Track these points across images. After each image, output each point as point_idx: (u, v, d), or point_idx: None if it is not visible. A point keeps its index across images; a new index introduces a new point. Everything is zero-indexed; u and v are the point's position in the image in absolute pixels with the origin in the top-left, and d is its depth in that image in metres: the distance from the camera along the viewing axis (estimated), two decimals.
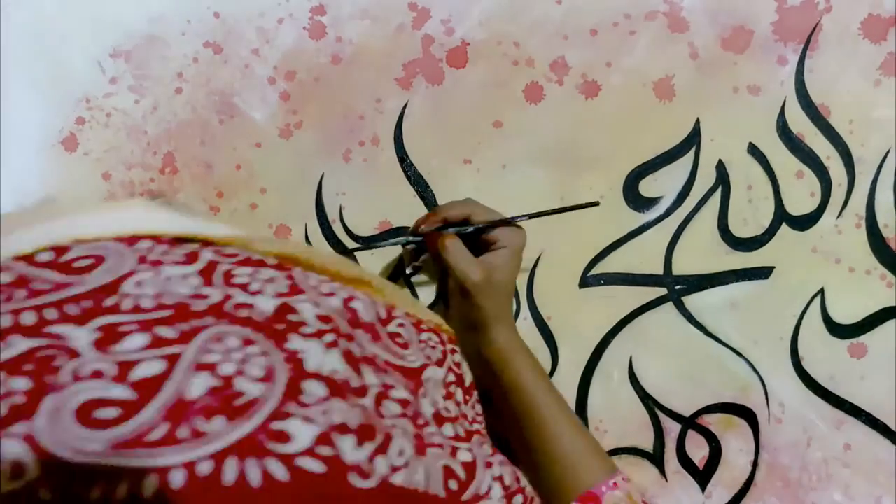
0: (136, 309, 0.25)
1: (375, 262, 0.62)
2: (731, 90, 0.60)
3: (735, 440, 0.61)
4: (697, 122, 0.60)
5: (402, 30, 0.61)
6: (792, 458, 0.61)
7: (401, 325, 0.32)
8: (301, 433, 0.23)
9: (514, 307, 0.62)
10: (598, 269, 0.62)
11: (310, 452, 0.23)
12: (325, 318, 0.28)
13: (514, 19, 0.60)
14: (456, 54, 0.61)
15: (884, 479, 0.60)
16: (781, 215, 0.60)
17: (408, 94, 0.61)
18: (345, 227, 0.62)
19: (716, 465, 0.61)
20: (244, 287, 0.28)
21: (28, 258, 0.26)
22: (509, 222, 0.56)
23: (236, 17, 0.61)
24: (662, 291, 0.61)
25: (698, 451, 0.62)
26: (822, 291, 0.60)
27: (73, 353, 0.22)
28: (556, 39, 0.60)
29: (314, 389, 0.25)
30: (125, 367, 0.22)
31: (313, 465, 0.22)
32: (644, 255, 0.61)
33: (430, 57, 0.61)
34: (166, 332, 0.24)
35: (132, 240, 0.29)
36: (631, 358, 0.62)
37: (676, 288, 0.61)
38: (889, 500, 0.60)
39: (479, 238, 0.56)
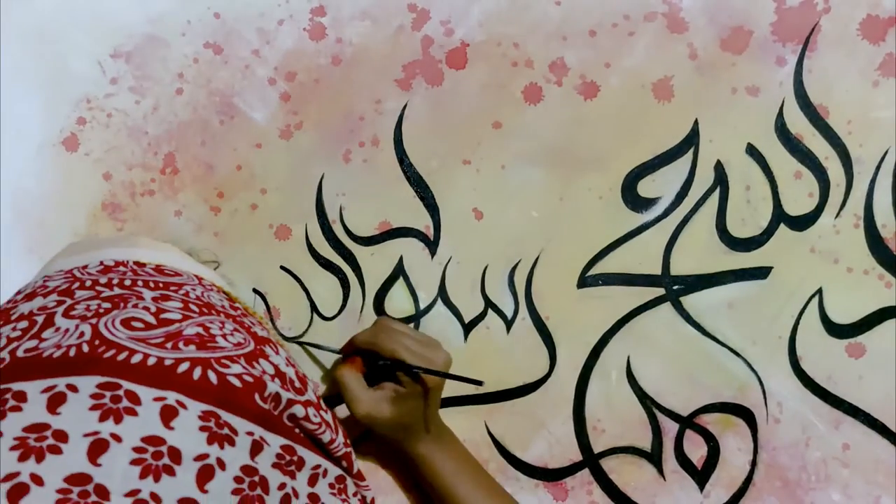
0: (186, 295, 0.42)
1: (376, 261, 0.63)
2: (729, 91, 0.60)
3: (733, 440, 0.61)
4: (696, 122, 0.60)
5: (401, 31, 0.61)
6: (790, 457, 0.61)
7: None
8: (236, 367, 0.36)
9: (513, 310, 0.62)
10: (597, 270, 0.62)
11: (238, 376, 0.36)
12: (288, 360, 0.42)
13: (513, 20, 0.61)
14: (455, 55, 0.61)
15: (883, 479, 0.61)
16: (780, 215, 0.60)
17: (407, 95, 0.62)
18: (345, 227, 0.62)
19: (714, 465, 0.62)
20: (253, 322, 0.44)
21: (142, 265, 0.45)
22: (408, 369, 0.55)
23: (236, 17, 0.61)
24: (660, 291, 0.61)
25: (696, 450, 0.62)
26: (820, 291, 0.61)
27: (140, 297, 0.39)
28: (555, 40, 0.61)
29: (266, 367, 0.38)
30: (161, 311, 0.38)
31: (235, 381, 0.36)
32: (642, 256, 0.61)
33: (430, 58, 0.61)
34: (193, 307, 0.40)
35: (202, 279, 0.47)
36: (629, 358, 0.62)
37: (674, 288, 0.61)
38: (888, 499, 0.60)
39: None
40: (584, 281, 0.62)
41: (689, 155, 0.61)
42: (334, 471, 0.39)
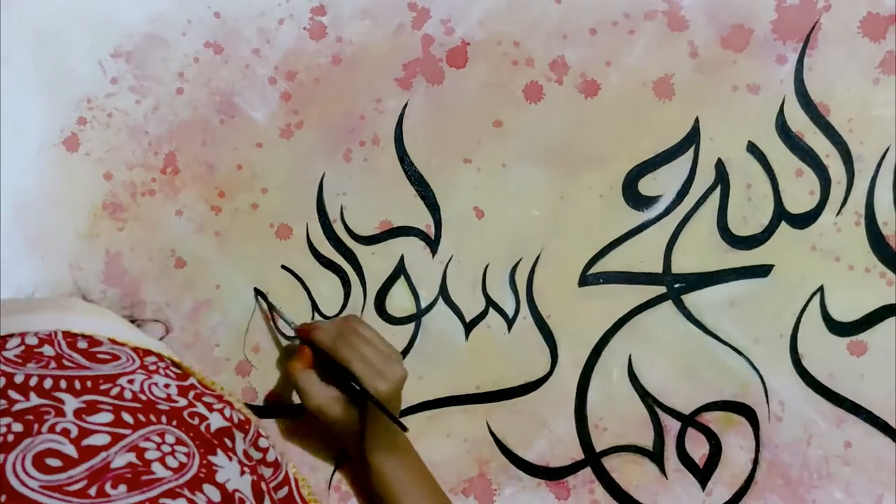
0: (119, 396, 0.35)
1: (377, 260, 0.63)
2: (730, 89, 0.60)
3: (735, 438, 0.61)
4: (697, 120, 0.60)
5: (401, 30, 0.61)
6: (792, 455, 0.61)
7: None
8: None
9: (514, 308, 0.62)
10: (598, 268, 0.62)
11: None
12: (248, 457, 0.38)
13: (513, 19, 0.61)
14: (456, 54, 0.61)
15: (885, 477, 0.61)
16: (781, 213, 0.61)
17: (408, 94, 0.62)
18: (346, 226, 0.62)
19: (716, 463, 0.61)
20: (209, 406, 0.38)
21: (72, 339, 0.38)
22: (348, 381, 0.54)
23: (237, 17, 0.61)
24: (662, 290, 0.61)
25: (698, 449, 0.62)
26: (821, 289, 0.61)
27: (61, 413, 0.32)
28: (555, 39, 0.61)
29: (211, 494, 0.33)
30: (84, 433, 0.32)
31: None
32: (643, 254, 0.61)
33: (430, 57, 0.61)
34: (127, 416, 0.34)
35: (146, 353, 0.40)
36: (630, 356, 0.62)
37: (676, 286, 0.61)
38: (890, 497, 0.60)
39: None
40: (586, 279, 0.62)
41: (690, 153, 0.61)
42: None
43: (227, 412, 0.39)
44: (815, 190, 0.60)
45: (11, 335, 0.38)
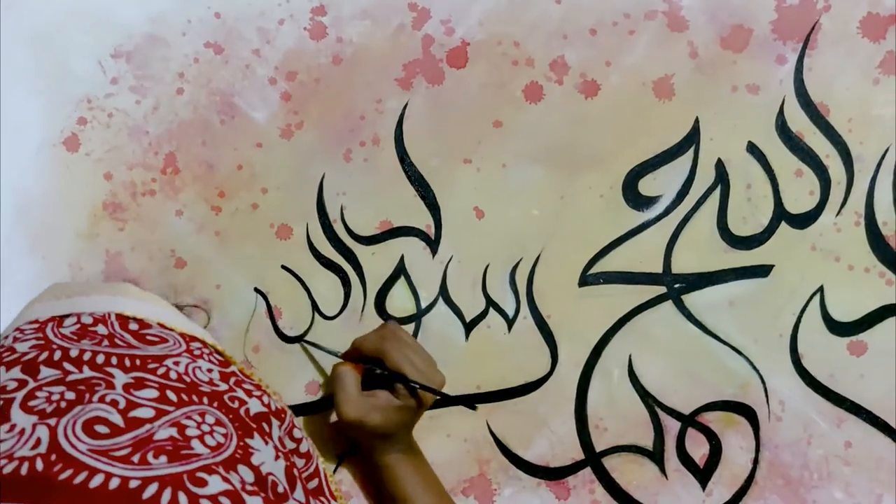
0: (164, 376, 0.37)
1: (377, 260, 0.63)
2: (730, 89, 0.60)
3: (735, 438, 0.61)
4: (697, 120, 0.60)
5: (402, 30, 0.61)
6: (792, 455, 0.61)
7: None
8: (215, 484, 0.31)
9: (514, 309, 0.62)
10: (598, 268, 0.62)
11: (212, 498, 0.31)
12: (283, 444, 0.39)
13: (513, 19, 0.61)
14: (456, 54, 0.61)
15: (884, 477, 0.61)
16: (780, 214, 0.61)
17: (408, 94, 0.62)
18: (346, 226, 0.62)
19: (716, 463, 0.62)
20: (248, 392, 0.39)
21: (124, 321, 0.40)
22: (406, 382, 0.55)
23: (237, 17, 0.61)
24: (662, 290, 0.61)
25: (698, 449, 0.62)
26: (821, 289, 0.61)
27: (111, 386, 0.34)
28: (555, 39, 0.61)
29: (245, 475, 0.34)
30: (131, 405, 0.33)
31: None
32: (643, 254, 0.61)
33: (430, 57, 0.61)
34: (171, 395, 0.36)
35: (192, 339, 0.42)
36: (630, 356, 0.62)
37: (676, 286, 0.61)
38: (890, 497, 0.60)
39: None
40: (586, 279, 0.62)
41: (690, 153, 0.61)
42: None
43: (266, 399, 0.40)
44: (815, 190, 0.60)
45: (68, 315, 0.41)
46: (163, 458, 0.32)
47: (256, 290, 0.62)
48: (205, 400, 0.37)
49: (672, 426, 0.62)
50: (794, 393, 0.61)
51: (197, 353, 0.41)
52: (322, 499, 0.40)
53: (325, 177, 0.62)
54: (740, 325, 0.61)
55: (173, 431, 0.33)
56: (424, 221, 0.62)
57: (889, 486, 0.61)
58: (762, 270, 0.61)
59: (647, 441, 0.62)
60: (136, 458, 0.31)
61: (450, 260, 0.63)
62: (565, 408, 0.62)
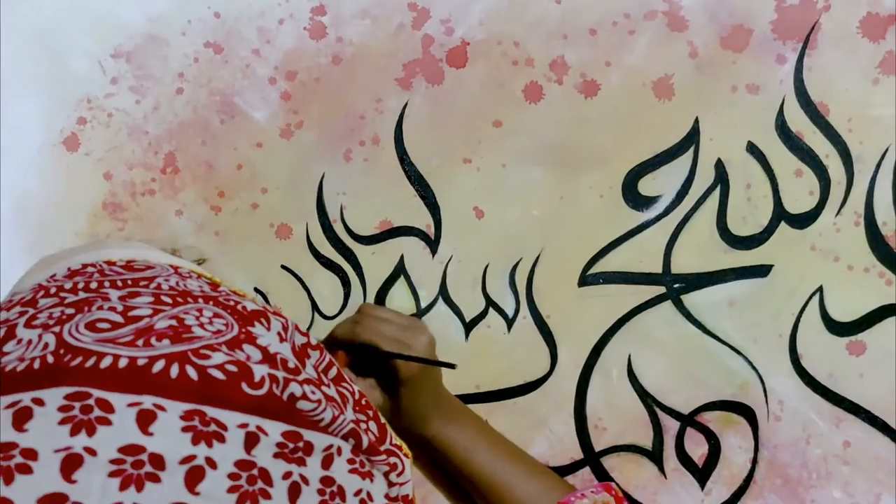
0: (158, 287, 0.39)
1: (377, 260, 0.63)
2: (730, 89, 0.60)
3: (734, 438, 0.62)
4: (696, 120, 0.60)
5: (402, 30, 0.61)
6: (791, 455, 0.61)
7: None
8: (218, 356, 0.33)
9: (514, 308, 0.62)
10: (598, 268, 0.62)
11: (219, 366, 0.33)
12: (287, 334, 0.40)
13: (513, 19, 0.61)
14: (456, 54, 0.61)
15: (883, 477, 0.61)
16: (780, 214, 0.61)
17: (408, 94, 0.62)
18: (346, 226, 0.63)
19: (715, 463, 0.62)
20: (240, 296, 0.41)
21: (112, 263, 0.42)
22: (390, 356, 0.54)
23: (237, 17, 0.61)
24: (661, 290, 0.61)
25: (697, 448, 0.62)
26: (820, 289, 0.61)
27: (106, 298, 0.37)
28: (555, 39, 0.61)
29: (252, 352, 0.35)
30: (129, 308, 0.36)
31: (217, 374, 0.33)
32: (643, 254, 0.61)
33: (430, 57, 0.61)
34: (166, 298, 0.37)
35: (178, 267, 0.44)
36: (630, 356, 0.62)
37: (675, 286, 0.61)
38: (889, 497, 0.61)
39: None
40: (585, 279, 0.62)
41: (690, 153, 0.61)
42: (347, 447, 0.37)
43: (260, 301, 0.42)
44: (815, 190, 0.60)
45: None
46: (166, 342, 0.33)
47: (256, 289, 0.62)
48: (200, 300, 0.38)
49: (671, 426, 0.62)
50: (793, 393, 0.61)
51: (186, 275, 0.43)
52: (344, 384, 0.40)
53: (324, 177, 0.62)
54: (740, 325, 0.61)
55: (173, 322, 0.35)
56: (424, 221, 0.62)
57: (888, 485, 0.61)
58: (762, 270, 0.61)
59: (647, 441, 0.62)
60: (140, 342, 0.33)
61: (449, 260, 0.63)
62: (565, 407, 0.62)
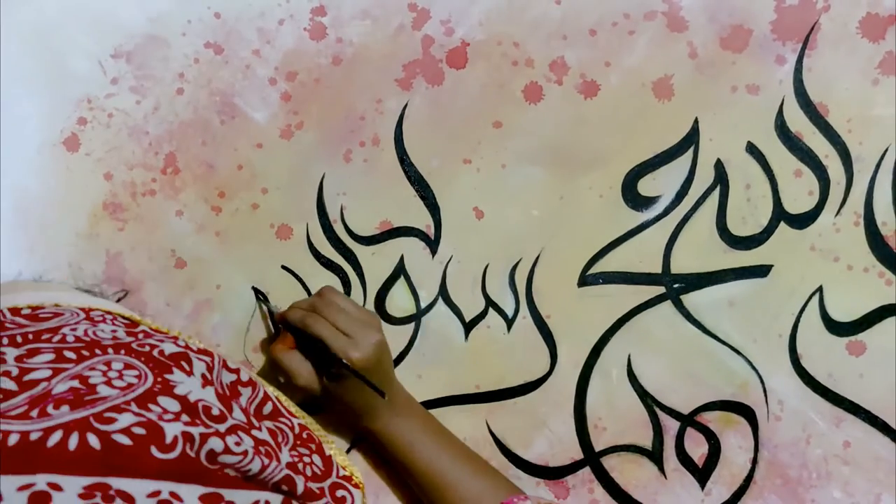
0: (62, 340, 0.35)
1: (377, 261, 0.63)
2: (729, 89, 0.60)
3: (734, 438, 0.62)
4: (696, 121, 0.61)
5: (402, 30, 0.61)
6: (791, 455, 0.61)
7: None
8: (125, 418, 0.30)
9: (514, 309, 0.62)
10: (597, 268, 0.62)
11: (125, 430, 0.30)
12: (212, 377, 0.37)
13: (513, 19, 0.61)
14: (456, 55, 0.61)
15: (883, 477, 0.61)
16: (780, 214, 0.61)
17: (408, 95, 0.62)
18: (346, 226, 0.63)
19: (715, 463, 0.62)
20: (160, 339, 0.38)
21: (16, 310, 0.39)
22: (333, 360, 0.53)
23: (237, 17, 0.61)
24: (661, 290, 0.61)
25: (697, 448, 0.62)
26: (820, 289, 0.61)
27: (2, 360, 0.33)
28: (555, 39, 0.61)
29: (167, 404, 0.32)
30: (25, 371, 0.32)
31: (123, 439, 0.30)
32: (643, 254, 0.61)
33: (430, 57, 0.61)
34: (70, 354, 0.34)
35: (90, 311, 0.40)
36: (630, 356, 0.62)
37: (675, 286, 0.61)
38: (889, 497, 0.61)
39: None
40: (585, 279, 0.62)
41: (690, 153, 0.61)
42: (277, 499, 0.34)
43: (181, 342, 0.39)
44: (815, 190, 0.60)
45: None
46: (65, 408, 0.30)
47: (256, 290, 0.62)
48: (109, 350, 0.35)
49: (671, 426, 0.62)
50: (793, 393, 0.61)
51: (98, 319, 0.39)
52: (282, 419, 0.39)
53: (325, 177, 0.62)
54: (739, 325, 0.61)
55: (74, 383, 0.32)
56: (424, 221, 0.63)
57: (888, 485, 0.61)
58: (761, 270, 0.61)
59: (647, 441, 0.62)
60: (34, 413, 0.30)
61: (449, 260, 0.63)
62: (564, 407, 0.62)
